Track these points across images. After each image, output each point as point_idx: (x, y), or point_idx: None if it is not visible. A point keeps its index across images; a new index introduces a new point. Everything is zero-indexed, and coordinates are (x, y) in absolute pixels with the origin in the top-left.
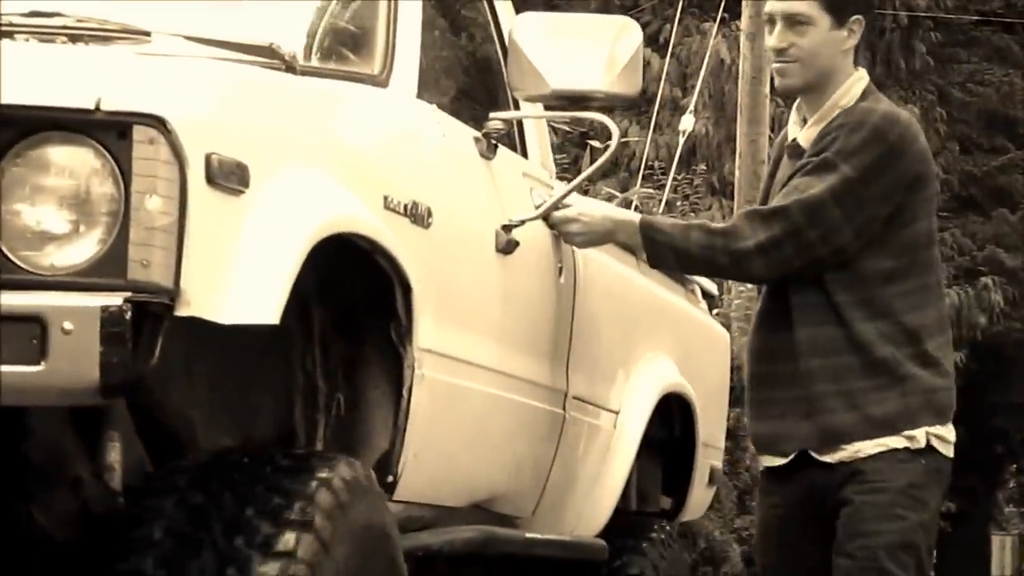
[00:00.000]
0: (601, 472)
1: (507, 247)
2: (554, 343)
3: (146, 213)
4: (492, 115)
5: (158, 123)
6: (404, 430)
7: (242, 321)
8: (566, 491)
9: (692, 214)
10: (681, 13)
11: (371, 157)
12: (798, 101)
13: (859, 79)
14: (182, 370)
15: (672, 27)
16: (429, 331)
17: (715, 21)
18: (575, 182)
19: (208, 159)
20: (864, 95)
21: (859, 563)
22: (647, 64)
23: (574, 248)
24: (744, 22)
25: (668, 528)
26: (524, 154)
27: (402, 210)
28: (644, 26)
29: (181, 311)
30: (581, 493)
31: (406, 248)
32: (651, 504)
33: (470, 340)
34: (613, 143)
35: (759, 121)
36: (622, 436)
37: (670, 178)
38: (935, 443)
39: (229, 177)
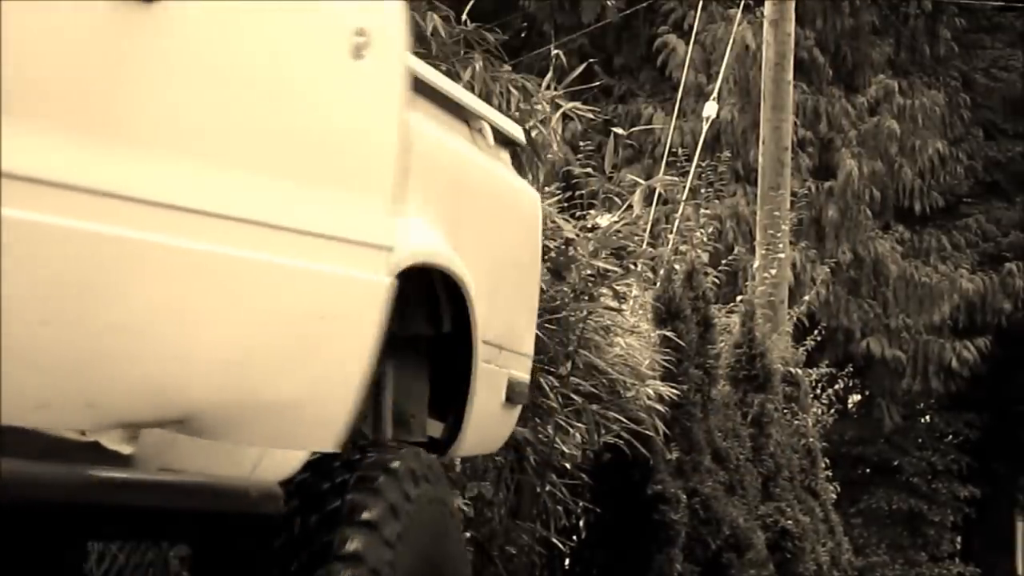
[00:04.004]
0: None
1: None
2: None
3: None
4: None
5: None
6: None
7: None
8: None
9: (716, 201)
10: (705, 0)
11: None
12: None
13: None
14: None
15: (696, 13)
16: None
17: (739, 7)
18: None
19: None
20: None
21: None
22: (672, 50)
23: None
24: (767, 8)
25: (425, 458)
26: None
27: None
28: (669, 12)
29: None
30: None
31: None
32: (413, 431)
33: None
34: None
35: (782, 107)
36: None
37: (694, 165)
38: None
39: None
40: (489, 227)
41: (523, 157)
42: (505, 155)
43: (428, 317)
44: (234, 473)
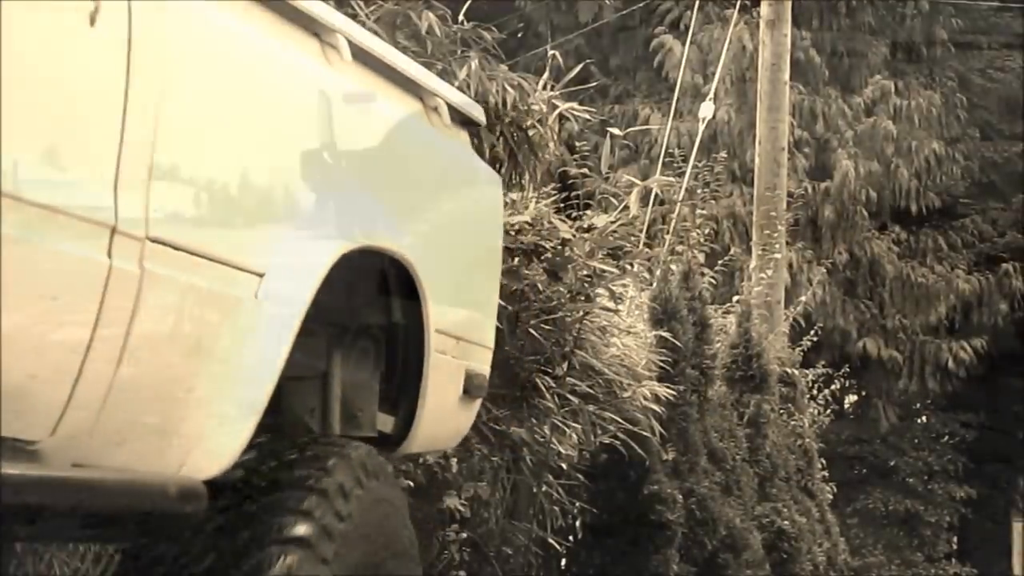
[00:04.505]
0: (229, 372)
1: None
2: (88, 140)
3: None
4: None
5: None
6: None
7: None
8: (161, 401)
9: (713, 201)
10: (702, 0)
11: None
12: None
13: None
14: None
15: (693, 14)
16: None
17: (736, 8)
18: None
19: None
20: None
21: None
22: (668, 51)
23: None
24: (764, 9)
25: (371, 453)
26: None
27: None
28: (665, 13)
29: None
30: (201, 406)
31: None
32: (363, 425)
33: None
34: None
35: (779, 108)
36: (269, 313)
37: (690, 165)
38: None
39: None
40: (443, 210)
41: (520, 156)
42: (464, 135)
43: (379, 306)
44: (158, 469)
